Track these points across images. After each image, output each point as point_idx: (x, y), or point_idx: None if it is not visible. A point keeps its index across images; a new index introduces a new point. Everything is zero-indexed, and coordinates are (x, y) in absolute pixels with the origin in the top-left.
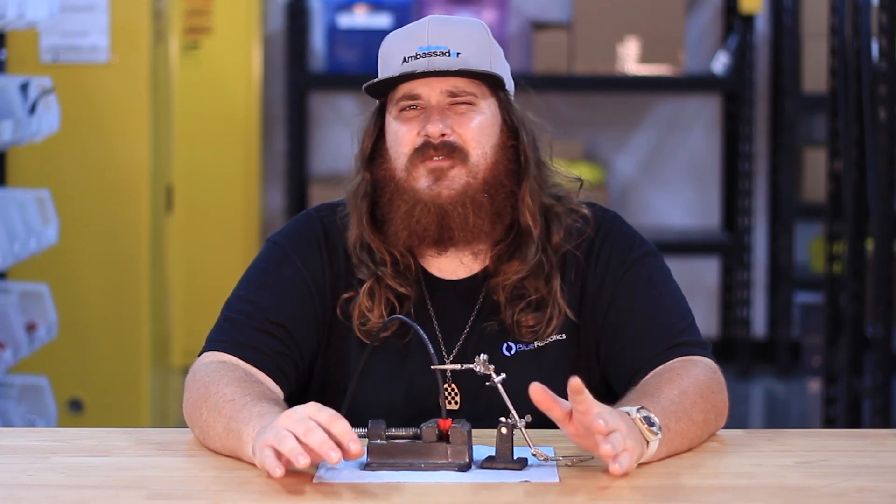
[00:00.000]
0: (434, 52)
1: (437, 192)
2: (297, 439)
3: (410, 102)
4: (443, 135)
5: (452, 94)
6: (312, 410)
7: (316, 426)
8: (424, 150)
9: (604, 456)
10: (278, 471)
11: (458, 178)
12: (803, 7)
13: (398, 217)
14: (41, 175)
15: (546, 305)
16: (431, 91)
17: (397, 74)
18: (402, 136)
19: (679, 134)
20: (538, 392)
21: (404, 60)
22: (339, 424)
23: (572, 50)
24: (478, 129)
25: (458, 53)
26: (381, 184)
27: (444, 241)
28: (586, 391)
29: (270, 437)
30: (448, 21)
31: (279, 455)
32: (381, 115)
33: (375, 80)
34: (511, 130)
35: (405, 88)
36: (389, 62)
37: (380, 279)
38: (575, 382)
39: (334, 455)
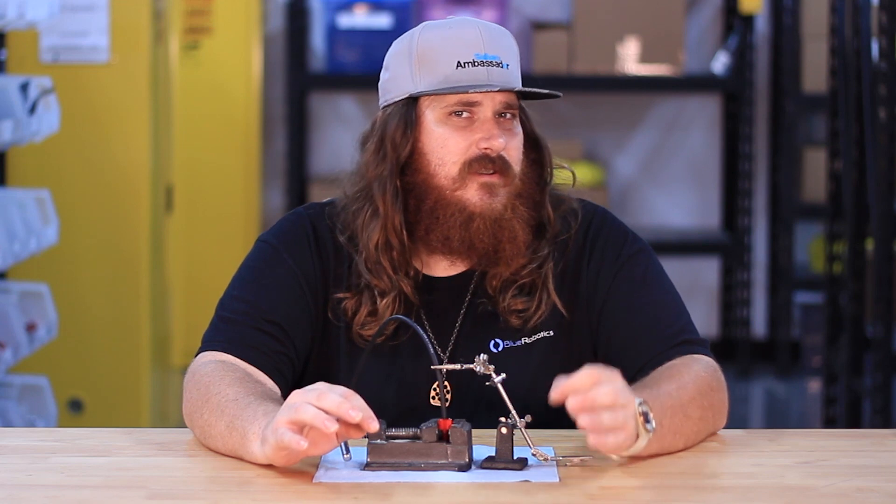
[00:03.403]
0: (491, 62)
1: (491, 206)
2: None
3: (464, 108)
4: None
5: (507, 107)
6: (323, 385)
7: (329, 391)
8: (481, 162)
9: (583, 425)
10: (303, 442)
11: (506, 193)
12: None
13: (450, 228)
14: (41, 175)
15: (536, 290)
16: (492, 102)
17: (495, 86)
18: (453, 145)
19: (679, 134)
20: (558, 397)
21: (459, 65)
22: (356, 399)
23: (572, 50)
24: (519, 145)
25: (507, 65)
26: (414, 191)
27: (488, 254)
28: (570, 381)
29: (284, 415)
30: (491, 28)
31: (299, 431)
32: (410, 114)
33: (464, 89)
34: (529, 141)
35: (460, 94)
36: (438, 62)
37: (401, 291)
38: (555, 395)
39: (355, 413)
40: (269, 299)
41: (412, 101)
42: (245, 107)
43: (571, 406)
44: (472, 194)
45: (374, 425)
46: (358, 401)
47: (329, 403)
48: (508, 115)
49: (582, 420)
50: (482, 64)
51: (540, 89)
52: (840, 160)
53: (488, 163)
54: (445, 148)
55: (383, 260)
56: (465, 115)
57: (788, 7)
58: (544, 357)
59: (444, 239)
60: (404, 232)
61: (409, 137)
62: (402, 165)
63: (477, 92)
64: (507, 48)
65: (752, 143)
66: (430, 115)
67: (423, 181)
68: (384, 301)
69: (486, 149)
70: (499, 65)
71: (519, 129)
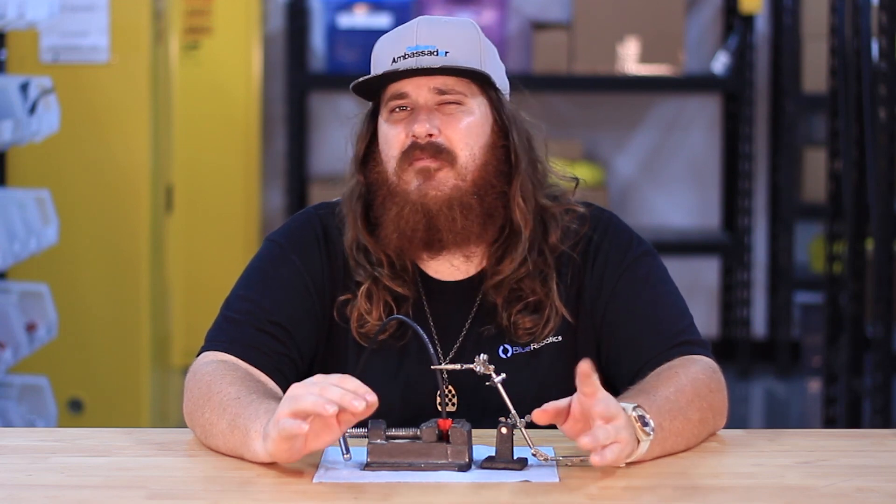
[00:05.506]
0: (422, 52)
1: (424, 193)
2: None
3: (400, 103)
4: (430, 135)
5: (441, 93)
6: (320, 377)
7: (329, 384)
8: (412, 151)
9: (583, 446)
10: (304, 425)
11: (446, 180)
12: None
13: (389, 219)
14: (41, 175)
15: (543, 307)
16: (419, 89)
17: (380, 73)
18: (392, 139)
19: (679, 134)
20: (540, 416)
21: (393, 61)
22: (351, 381)
23: (572, 50)
24: (466, 130)
25: (446, 52)
26: (374, 186)
27: (433, 242)
28: (595, 375)
29: (285, 407)
30: (438, 21)
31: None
32: (373, 117)
33: (359, 79)
34: (502, 130)
35: (393, 88)
36: (379, 63)
37: (377, 280)
38: (585, 366)
39: (358, 404)
40: (274, 300)
41: (375, 105)
42: (245, 107)
43: (568, 430)
44: (411, 184)
45: (371, 398)
46: (352, 383)
47: (332, 395)
48: (452, 102)
49: (583, 442)
50: (412, 55)
51: (461, 66)
52: (840, 160)
53: (418, 150)
54: (388, 143)
55: (359, 257)
56: (406, 108)
57: (788, 7)
58: (552, 362)
59: (387, 234)
60: (366, 229)
61: (365, 139)
62: (367, 167)
63: (373, 77)
64: (450, 37)
65: (752, 143)
66: (382, 116)
67: (375, 179)
68: (362, 289)
69: (412, 136)
70: (432, 53)
71: (468, 115)
